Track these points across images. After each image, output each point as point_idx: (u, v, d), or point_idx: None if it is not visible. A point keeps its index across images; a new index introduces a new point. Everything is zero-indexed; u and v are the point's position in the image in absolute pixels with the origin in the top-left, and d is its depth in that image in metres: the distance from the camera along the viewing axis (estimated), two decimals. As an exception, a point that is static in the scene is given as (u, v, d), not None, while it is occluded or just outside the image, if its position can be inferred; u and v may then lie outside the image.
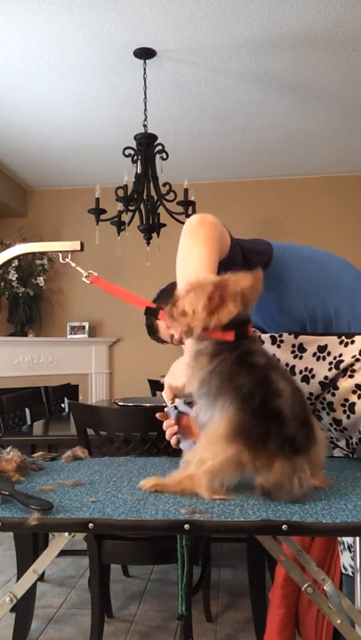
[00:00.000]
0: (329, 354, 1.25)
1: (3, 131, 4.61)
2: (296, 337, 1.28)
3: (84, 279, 1.32)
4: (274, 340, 1.30)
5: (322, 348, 1.25)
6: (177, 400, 1.23)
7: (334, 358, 1.24)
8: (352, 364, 1.22)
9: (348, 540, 1.34)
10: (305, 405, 1.00)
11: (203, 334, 1.00)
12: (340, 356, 1.24)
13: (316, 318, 1.28)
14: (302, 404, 0.99)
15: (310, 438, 0.96)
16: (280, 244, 1.35)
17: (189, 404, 1.19)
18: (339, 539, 1.41)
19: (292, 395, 0.96)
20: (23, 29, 3.26)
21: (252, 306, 1.01)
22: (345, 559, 1.38)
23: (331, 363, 1.24)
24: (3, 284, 5.49)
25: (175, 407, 1.23)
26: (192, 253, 1.16)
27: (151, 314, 1.23)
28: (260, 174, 5.73)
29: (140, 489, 1.02)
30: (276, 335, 1.30)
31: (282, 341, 1.29)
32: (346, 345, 1.24)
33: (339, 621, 1.09)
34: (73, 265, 1.33)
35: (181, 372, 1.15)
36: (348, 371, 1.23)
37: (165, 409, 1.25)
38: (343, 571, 1.40)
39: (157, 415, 1.26)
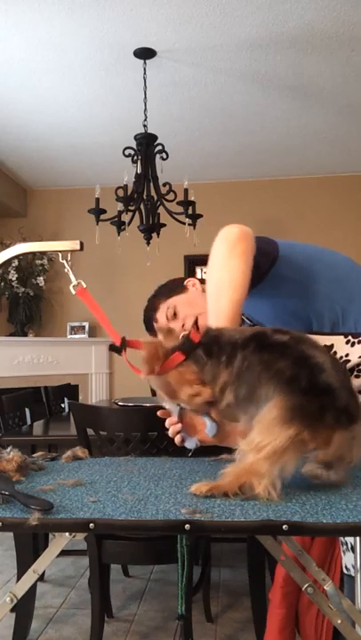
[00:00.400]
0: (335, 354, 1.25)
1: (3, 131, 4.61)
2: None
3: (71, 288, 1.30)
4: None
5: (328, 348, 1.25)
6: None
7: (341, 358, 1.24)
8: (359, 364, 1.22)
9: (351, 540, 1.34)
10: (346, 372, 1.00)
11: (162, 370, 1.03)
12: (347, 355, 1.24)
13: (322, 318, 1.28)
14: (345, 372, 0.98)
15: (358, 404, 0.95)
16: (286, 243, 1.34)
17: None
18: (341, 539, 1.40)
19: (332, 365, 0.95)
20: (23, 29, 3.26)
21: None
22: (348, 560, 1.38)
23: None
24: (3, 284, 5.49)
25: (178, 404, 1.22)
26: (230, 269, 1.19)
27: (115, 350, 1.27)
28: (260, 174, 5.73)
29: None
30: None
31: None
32: (353, 345, 1.24)
33: (339, 621, 1.09)
34: (66, 270, 1.31)
35: None
36: (354, 371, 1.23)
37: (167, 406, 1.23)
38: (345, 571, 1.39)
39: (159, 413, 1.25)
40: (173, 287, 1.58)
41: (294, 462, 0.91)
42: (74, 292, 1.30)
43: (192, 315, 1.45)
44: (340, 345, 1.25)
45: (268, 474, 0.90)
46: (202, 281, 1.55)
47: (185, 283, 1.59)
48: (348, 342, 1.24)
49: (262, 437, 0.91)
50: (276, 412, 0.91)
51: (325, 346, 1.25)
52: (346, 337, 1.25)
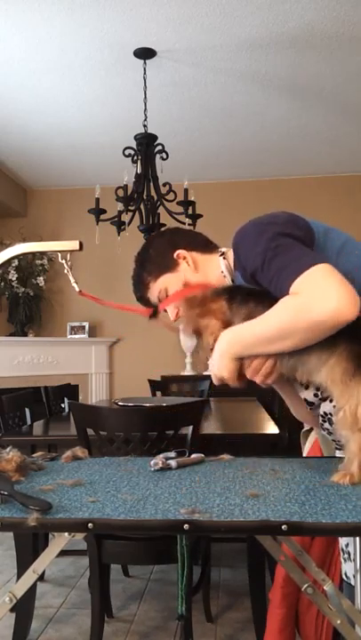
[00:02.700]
0: None
1: (3, 131, 4.61)
2: None
3: (74, 285, 1.34)
4: None
5: None
6: None
7: None
8: None
9: (351, 549, 1.33)
10: None
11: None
12: None
13: None
14: None
15: None
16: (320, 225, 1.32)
17: None
18: (342, 546, 1.40)
19: None
20: (23, 29, 3.26)
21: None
22: (347, 568, 1.37)
23: None
24: (3, 284, 5.49)
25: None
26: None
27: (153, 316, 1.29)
28: (260, 174, 5.73)
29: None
30: None
31: None
32: None
33: (339, 622, 1.09)
34: (65, 271, 1.32)
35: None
36: None
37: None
38: (345, 578, 1.39)
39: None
40: (163, 263, 1.43)
41: None
42: (77, 289, 1.33)
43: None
44: None
45: None
46: (192, 247, 1.43)
47: (175, 256, 1.43)
48: None
49: (345, 401, 1.02)
50: (344, 364, 1.02)
51: None
52: None
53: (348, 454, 1.04)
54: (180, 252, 1.42)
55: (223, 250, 1.42)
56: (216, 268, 1.39)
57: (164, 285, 1.42)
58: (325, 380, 1.08)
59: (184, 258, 1.41)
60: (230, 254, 1.38)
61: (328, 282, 1.04)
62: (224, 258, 1.39)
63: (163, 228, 1.56)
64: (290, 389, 1.31)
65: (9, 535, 3.02)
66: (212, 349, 1.19)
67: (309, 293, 1.05)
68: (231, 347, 1.15)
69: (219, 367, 1.18)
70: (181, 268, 1.42)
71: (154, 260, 1.44)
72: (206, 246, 1.45)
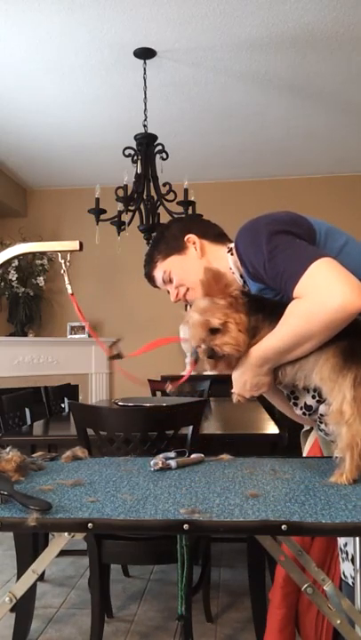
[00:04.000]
0: None
1: (3, 131, 4.61)
2: None
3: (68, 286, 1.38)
4: None
5: None
6: None
7: None
8: None
9: (351, 549, 1.33)
10: None
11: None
12: None
13: None
14: None
15: None
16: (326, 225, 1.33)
17: None
18: (341, 547, 1.40)
19: None
20: (23, 29, 3.26)
21: None
22: (346, 568, 1.37)
23: None
24: (3, 284, 5.49)
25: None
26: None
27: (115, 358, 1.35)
28: (260, 174, 5.73)
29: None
30: None
31: None
32: None
33: (339, 622, 1.09)
34: (62, 271, 1.34)
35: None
36: None
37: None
38: (343, 578, 1.39)
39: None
40: (174, 245, 1.47)
41: None
42: (70, 291, 1.35)
43: (183, 285, 1.45)
44: None
45: None
46: (204, 236, 1.47)
47: (185, 239, 1.46)
48: None
49: (333, 398, 1.04)
50: (332, 360, 1.05)
51: None
52: None
53: (338, 452, 1.06)
54: (191, 236, 1.46)
55: (231, 246, 1.42)
56: (221, 260, 1.41)
57: (168, 267, 1.47)
58: (317, 379, 1.10)
59: (193, 242, 1.46)
60: None
61: (329, 278, 1.06)
62: (232, 254, 1.39)
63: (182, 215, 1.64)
64: (280, 396, 1.32)
65: (9, 535, 3.02)
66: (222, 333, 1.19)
67: (313, 296, 1.07)
68: (261, 366, 1.18)
69: (254, 385, 1.21)
70: (189, 252, 1.46)
71: (166, 241, 1.48)
72: (218, 238, 1.48)
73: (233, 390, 1.27)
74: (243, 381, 1.22)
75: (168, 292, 1.52)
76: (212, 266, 1.28)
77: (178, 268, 1.46)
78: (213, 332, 1.17)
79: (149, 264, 1.52)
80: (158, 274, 1.50)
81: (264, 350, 1.16)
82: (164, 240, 1.49)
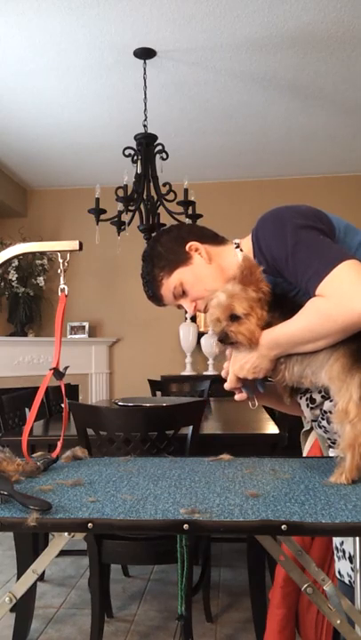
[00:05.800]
0: None
1: (3, 131, 4.61)
2: None
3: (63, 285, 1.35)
4: None
5: None
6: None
7: None
8: None
9: (350, 549, 1.33)
10: None
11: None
12: None
13: None
14: None
15: None
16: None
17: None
18: (336, 545, 1.39)
19: None
20: (23, 29, 3.26)
21: None
22: (342, 567, 1.37)
23: None
24: (3, 284, 5.49)
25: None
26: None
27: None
28: (261, 174, 5.72)
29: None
30: None
31: None
32: None
33: (338, 622, 1.09)
34: (59, 271, 1.33)
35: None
36: None
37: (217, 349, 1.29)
38: (338, 577, 1.38)
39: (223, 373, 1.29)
40: (175, 258, 1.38)
41: None
42: (65, 292, 1.33)
43: (202, 294, 1.35)
44: None
45: None
46: (202, 240, 1.39)
47: (187, 249, 1.38)
48: None
49: (340, 398, 1.05)
50: (342, 360, 1.07)
51: None
52: None
53: (339, 452, 1.06)
54: (193, 243, 1.38)
55: (237, 241, 1.38)
56: (231, 260, 1.35)
57: (178, 280, 1.37)
58: (326, 378, 1.10)
59: (197, 249, 1.38)
60: (245, 244, 1.35)
61: (356, 284, 1.06)
62: (241, 250, 1.35)
63: (165, 227, 1.53)
64: (277, 400, 1.33)
65: (9, 535, 3.03)
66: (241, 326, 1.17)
67: (337, 299, 1.07)
68: (271, 350, 1.17)
69: (254, 367, 1.20)
70: (195, 261, 1.38)
71: (164, 256, 1.39)
72: (215, 238, 1.42)
73: (226, 370, 1.25)
74: (244, 361, 1.20)
75: (178, 307, 1.44)
76: (250, 256, 1.23)
77: (190, 278, 1.37)
78: (233, 318, 1.16)
79: (152, 283, 1.41)
80: (167, 291, 1.40)
81: (277, 335, 1.15)
82: (160, 256, 1.39)
